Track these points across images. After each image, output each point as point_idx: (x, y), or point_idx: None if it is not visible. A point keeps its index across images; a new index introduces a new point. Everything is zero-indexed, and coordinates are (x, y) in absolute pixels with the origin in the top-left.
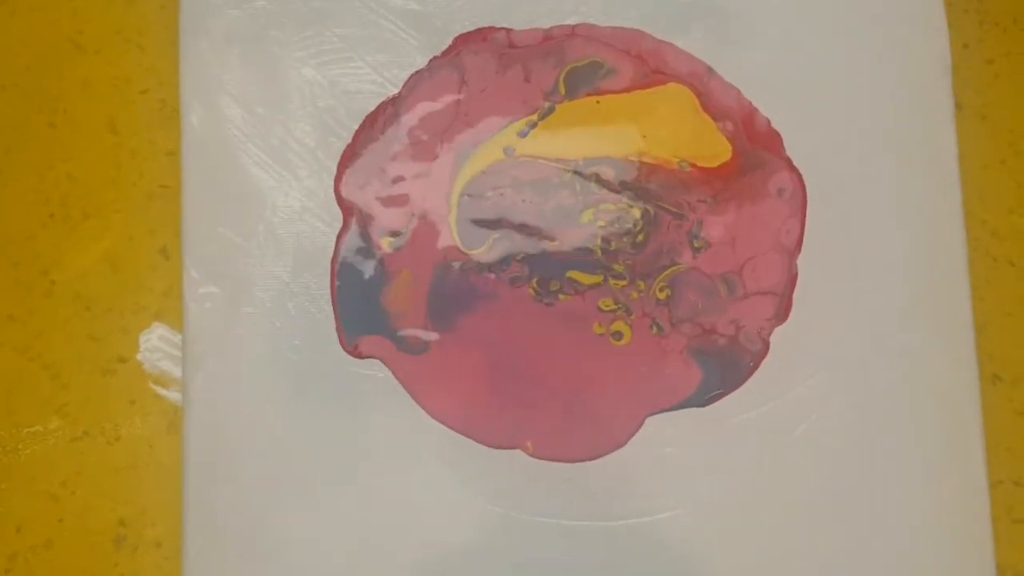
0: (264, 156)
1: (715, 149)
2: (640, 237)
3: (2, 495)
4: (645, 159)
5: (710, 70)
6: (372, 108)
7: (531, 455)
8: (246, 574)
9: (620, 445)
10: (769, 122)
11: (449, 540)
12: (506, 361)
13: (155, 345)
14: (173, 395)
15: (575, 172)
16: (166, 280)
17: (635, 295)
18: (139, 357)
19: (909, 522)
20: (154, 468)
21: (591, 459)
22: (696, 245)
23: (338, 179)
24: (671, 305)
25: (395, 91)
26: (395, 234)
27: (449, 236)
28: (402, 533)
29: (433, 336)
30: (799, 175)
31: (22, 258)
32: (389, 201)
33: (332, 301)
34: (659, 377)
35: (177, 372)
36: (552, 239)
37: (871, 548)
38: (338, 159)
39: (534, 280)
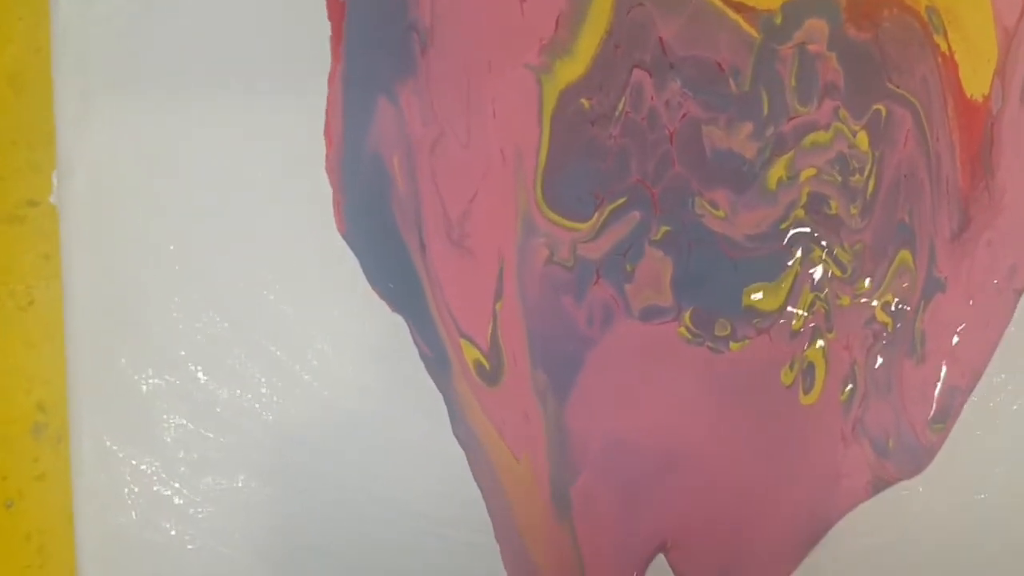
0: None
1: (975, 30)
2: (871, 183)
3: None
4: None
5: None
6: None
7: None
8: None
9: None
10: None
11: None
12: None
13: None
14: None
15: (764, 40)
16: None
17: (846, 300)
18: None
19: None
20: None
21: None
22: (916, 341)
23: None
24: (870, 379)
25: None
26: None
27: (532, 187)
28: None
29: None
30: None
31: None
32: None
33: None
34: (836, 488)
35: None
36: (716, 207)
37: None
38: None
39: (686, 314)
